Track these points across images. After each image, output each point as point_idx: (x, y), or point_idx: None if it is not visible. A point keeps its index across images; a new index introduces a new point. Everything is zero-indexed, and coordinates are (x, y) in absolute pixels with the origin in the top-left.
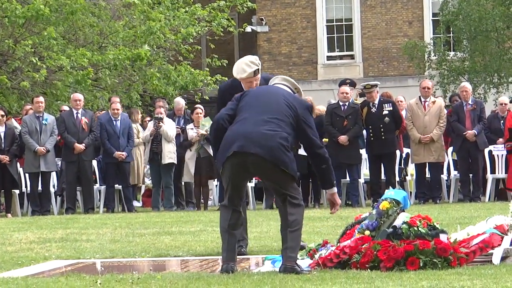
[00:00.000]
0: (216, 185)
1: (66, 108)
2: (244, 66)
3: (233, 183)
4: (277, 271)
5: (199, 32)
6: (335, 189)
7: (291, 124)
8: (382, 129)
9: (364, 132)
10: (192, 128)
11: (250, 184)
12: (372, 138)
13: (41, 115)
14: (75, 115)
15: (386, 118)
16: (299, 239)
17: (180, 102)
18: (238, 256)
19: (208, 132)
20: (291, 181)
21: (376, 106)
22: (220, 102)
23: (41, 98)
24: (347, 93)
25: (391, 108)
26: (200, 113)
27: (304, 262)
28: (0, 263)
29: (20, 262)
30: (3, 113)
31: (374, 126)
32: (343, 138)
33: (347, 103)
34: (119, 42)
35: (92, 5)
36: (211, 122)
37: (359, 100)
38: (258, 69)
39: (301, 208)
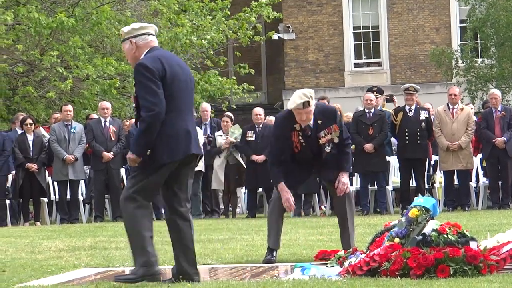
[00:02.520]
0: (244, 193)
1: (95, 116)
2: (296, 98)
3: None
4: (307, 279)
5: (224, 40)
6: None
7: None
8: (418, 134)
9: (393, 139)
10: (221, 135)
11: None
12: (407, 142)
13: (70, 123)
14: (103, 124)
15: (423, 124)
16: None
17: (206, 107)
18: (267, 264)
19: (238, 140)
20: None
21: (413, 111)
22: (275, 131)
23: (70, 107)
24: (371, 100)
25: (427, 115)
26: (227, 122)
27: (333, 269)
28: (30, 271)
29: (50, 270)
30: (31, 122)
31: (411, 130)
32: (368, 147)
33: (372, 110)
34: None
35: (119, 14)
36: (240, 129)
37: (387, 107)
38: (308, 101)
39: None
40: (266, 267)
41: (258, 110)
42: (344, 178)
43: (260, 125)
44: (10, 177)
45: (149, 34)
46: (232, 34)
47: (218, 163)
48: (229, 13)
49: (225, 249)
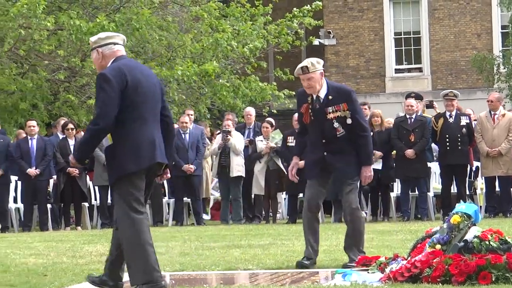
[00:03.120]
0: (285, 198)
1: None
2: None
3: None
4: (348, 285)
5: (265, 46)
6: None
7: None
8: (459, 140)
9: (433, 145)
10: (261, 140)
11: None
12: (448, 148)
13: None
14: None
15: (464, 129)
16: None
17: (250, 111)
18: (307, 270)
19: (278, 145)
20: None
21: (453, 117)
22: (297, 107)
23: None
24: (412, 106)
25: (468, 121)
26: (267, 127)
27: (375, 276)
28: (71, 275)
29: (91, 274)
30: (72, 127)
31: (452, 136)
32: (409, 152)
33: (413, 116)
34: (188, 55)
35: (160, 19)
36: (281, 134)
37: (427, 113)
38: (306, 66)
39: None
40: (307, 273)
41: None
42: (366, 172)
43: None
44: (51, 181)
45: (115, 43)
46: (273, 40)
47: (259, 168)
48: (271, 19)
49: (265, 255)
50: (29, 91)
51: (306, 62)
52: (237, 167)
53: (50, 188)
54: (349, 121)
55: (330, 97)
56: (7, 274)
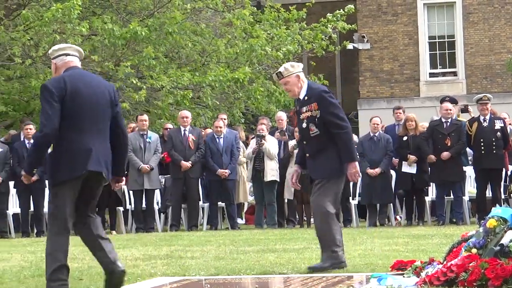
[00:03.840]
0: None
1: (169, 126)
2: None
3: None
4: None
5: (299, 50)
6: None
7: None
8: (494, 144)
9: (468, 149)
10: (294, 144)
11: (353, 202)
12: (483, 152)
13: (145, 133)
14: (182, 133)
15: (498, 133)
16: None
17: (281, 116)
18: (342, 274)
19: None
20: None
21: (488, 120)
22: None
23: (145, 116)
24: (450, 110)
25: (502, 125)
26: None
27: (410, 280)
28: None
29: (127, 278)
30: None
31: (486, 140)
32: (445, 154)
33: (449, 120)
34: (222, 60)
35: (194, 24)
36: None
37: (461, 117)
38: (280, 72)
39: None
40: (342, 277)
41: None
42: (350, 169)
43: None
44: None
45: (67, 54)
46: (307, 45)
47: (290, 172)
48: (305, 25)
49: (300, 259)
50: None
51: (282, 67)
52: (271, 171)
53: None
54: (318, 120)
55: (306, 98)
56: (42, 278)
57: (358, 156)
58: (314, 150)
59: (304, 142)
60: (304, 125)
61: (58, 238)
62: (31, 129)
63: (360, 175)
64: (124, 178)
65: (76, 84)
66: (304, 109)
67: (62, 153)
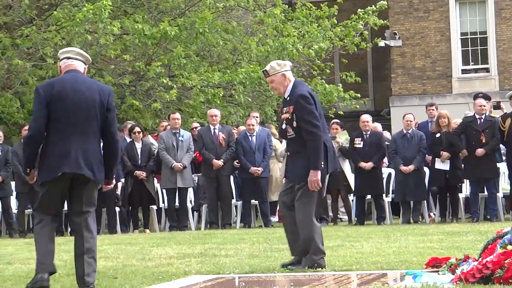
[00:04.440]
0: (352, 200)
1: (195, 124)
2: None
3: None
4: (419, 286)
5: (330, 47)
6: None
7: None
8: None
9: (502, 146)
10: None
11: (387, 199)
12: None
13: (178, 131)
14: (212, 131)
15: None
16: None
17: None
18: (377, 272)
19: (344, 145)
20: None
21: None
22: None
23: (178, 115)
24: (484, 106)
25: None
26: (337, 129)
27: (445, 277)
28: (141, 278)
29: (161, 277)
30: (139, 130)
31: None
32: (479, 151)
33: (483, 116)
34: (253, 58)
35: (225, 22)
36: (348, 136)
37: (494, 114)
38: (266, 70)
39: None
40: (376, 274)
41: (366, 117)
42: (311, 176)
43: (368, 132)
44: (119, 185)
45: (69, 58)
46: (338, 42)
47: None
48: (336, 22)
49: (334, 256)
50: None
51: (268, 65)
52: None
53: (118, 191)
54: (295, 124)
55: (288, 98)
56: None
57: (322, 165)
58: (291, 151)
59: (286, 141)
60: (283, 126)
61: (37, 236)
62: None
63: (320, 185)
64: (113, 182)
65: (63, 88)
66: (285, 109)
67: (45, 155)
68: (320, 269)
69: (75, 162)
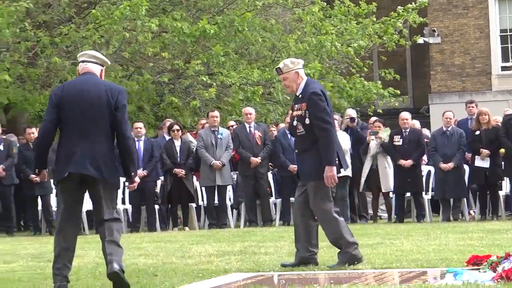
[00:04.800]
0: (392, 197)
1: (232, 123)
2: None
3: None
4: (460, 284)
5: (369, 45)
6: None
7: None
8: None
9: None
10: (373, 139)
11: (427, 197)
12: None
13: (216, 129)
14: (247, 129)
15: None
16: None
17: (351, 113)
18: (417, 269)
19: (385, 141)
20: None
21: None
22: None
23: (216, 113)
24: None
25: None
26: (379, 126)
27: (486, 275)
28: (182, 275)
29: (201, 274)
30: (178, 128)
31: None
32: None
33: None
34: (292, 56)
35: (264, 20)
36: (389, 132)
37: None
38: (279, 67)
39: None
40: (416, 272)
41: (405, 115)
42: (327, 172)
43: (407, 130)
44: (159, 183)
45: (83, 61)
46: (377, 40)
47: (367, 166)
48: (374, 19)
49: (374, 254)
50: (135, 93)
51: (281, 63)
52: None
53: (158, 189)
54: (307, 121)
55: (300, 95)
56: None
57: (337, 161)
58: (300, 148)
59: (295, 139)
60: (295, 123)
61: (56, 236)
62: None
63: (337, 180)
64: (135, 180)
65: (72, 91)
66: (296, 106)
67: (56, 157)
68: (356, 262)
69: (80, 162)
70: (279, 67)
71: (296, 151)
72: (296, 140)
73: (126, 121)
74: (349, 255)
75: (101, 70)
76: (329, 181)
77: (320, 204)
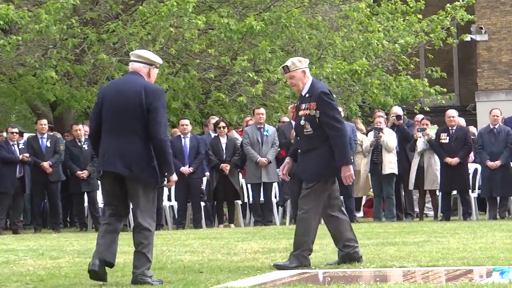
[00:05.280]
0: (438, 195)
1: (286, 119)
2: None
3: None
4: (507, 283)
5: (417, 42)
6: None
7: None
8: None
9: None
10: (420, 137)
11: (473, 195)
12: None
13: (262, 126)
14: (293, 126)
15: None
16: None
17: (397, 111)
18: (464, 267)
19: (433, 138)
20: None
21: None
22: None
23: (262, 110)
24: None
25: None
26: (427, 124)
27: None
28: (227, 272)
29: (246, 271)
30: (224, 125)
31: None
32: None
33: None
34: (338, 53)
35: (310, 17)
36: (436, 129)
37: None
38: (287, 66)
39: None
40: (462, 270)
41: (452, 112)
42: (344, 172)
43: (454, 127)
44: (204, 179)
45: (132, 61)
46: (424, 38)
47: (416, 163)
48: (420, 17)
49: (420, 252)
50: (181, 90)
51: (288, 61)
52: (389, 164)
53: (203, 186)
54: (316, 120)
55: (307, 95)
56: (163, 271)
57: (352, 160)
58: (305, 148)
59: (298, 138)
60: (302, 122)
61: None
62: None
63: (354, 178)
64: (171, 179)
65: (111, 90)
66: (303, 106)
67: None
68: (306, 267)
69: (110, 161)
70: (286, 65)
71: (299, 151)
72: (299, 140)
73: (158, 123)
74: (301, 260)
75: (149, 69)
76: (348, 180)
77: (312, 202)
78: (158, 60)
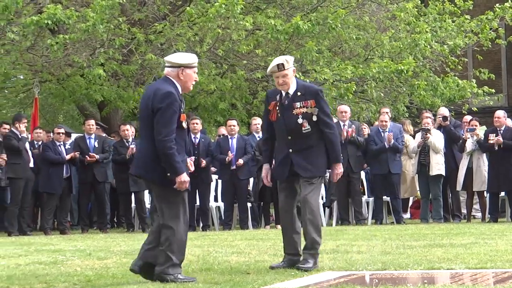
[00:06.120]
0: (486, 196)
1: (334, 120)
2: (272, 62)
3: None
4: None
5: (466, 44)
6: None
7: None
8: None
9: None
10: (469, 137)
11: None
12: None
13: None
14: (341, 127)
15: None
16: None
17: (444, 112)
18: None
19: (482, 138)
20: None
21: None
22: (264, 106)
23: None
24: None
25: None
26: (476, 125)
27: None
28: (274, 273)
29: (294, 273)
30: None
31: None
32: None
33: None
34: (385, 54)
35: (358, 18)
36: (484, 130)
37: None
38: (282, 64)
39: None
40: (511, 272)
41: (499, 113)
42: (336, 169)
43: (502, 128)
44: (251, 180)
45: (167, 66)
46: (473, 38)
47: (464, 163)
48: (468, 17)
49: (468, 254)
50: (228, 91)
51: (281, 59)
52: (437, 165)
53: (250, 187)
54: (314, 118)
55: (299, 93)
56: (210, 272)
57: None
58: (302, 146)
59: (289, 138)
60: (300, 120)
61: None
62: (197, 123)
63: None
64: (179, 178)
65: (141, 99)
66: (298, 104)
67: None
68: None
69: (135, 163)
70: (281, 63)
71: (291, 150)
72: (296, 139)
73: (160, 124)
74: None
75: (178, 71)
76: (337, 178)
77: (317, 198)
78: (186, 60)
